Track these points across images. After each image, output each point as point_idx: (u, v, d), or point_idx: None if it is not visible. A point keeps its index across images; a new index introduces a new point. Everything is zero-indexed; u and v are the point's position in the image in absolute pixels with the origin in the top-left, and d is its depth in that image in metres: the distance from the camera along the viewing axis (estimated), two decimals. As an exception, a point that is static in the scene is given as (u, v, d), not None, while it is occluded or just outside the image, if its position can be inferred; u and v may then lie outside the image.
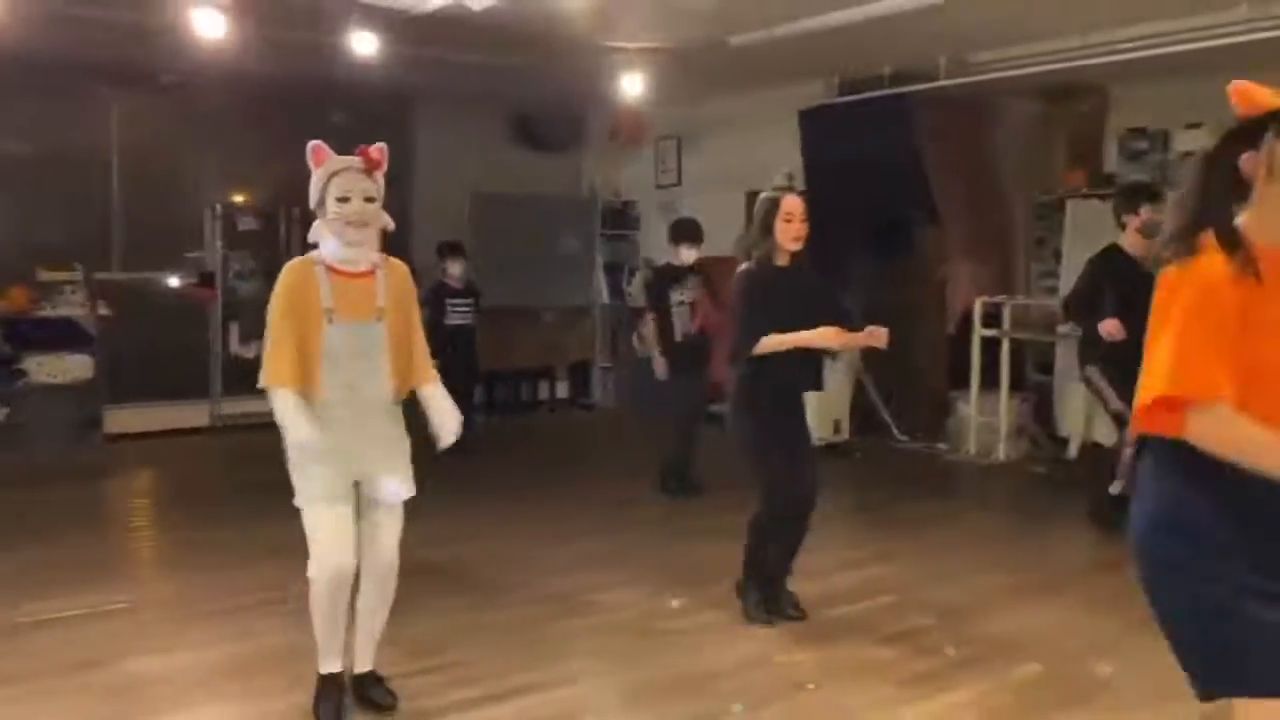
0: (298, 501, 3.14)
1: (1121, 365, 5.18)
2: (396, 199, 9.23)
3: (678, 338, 6.35)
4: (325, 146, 3.14)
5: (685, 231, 6.47)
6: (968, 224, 8.24)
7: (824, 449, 7.71)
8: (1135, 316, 4.97)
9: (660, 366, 6.33)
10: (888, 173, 7.85)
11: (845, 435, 8.06)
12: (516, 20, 6.04)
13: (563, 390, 10.21)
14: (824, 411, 7.84)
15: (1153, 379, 1.93)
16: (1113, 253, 5.30)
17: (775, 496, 4.11)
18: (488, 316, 8.19)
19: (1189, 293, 1.92)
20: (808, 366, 4.16)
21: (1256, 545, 1.95)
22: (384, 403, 3.23)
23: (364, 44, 6.08)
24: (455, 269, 7.56)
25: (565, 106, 9.52)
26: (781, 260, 4.07)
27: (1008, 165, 8.35)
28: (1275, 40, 5.64)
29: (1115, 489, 5.32)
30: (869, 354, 8.16)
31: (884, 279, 8.21)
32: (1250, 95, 1.97)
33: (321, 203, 3.13)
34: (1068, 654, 3.89)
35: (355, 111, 8.32)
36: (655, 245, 9.11)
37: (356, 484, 3.18)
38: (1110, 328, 5.04)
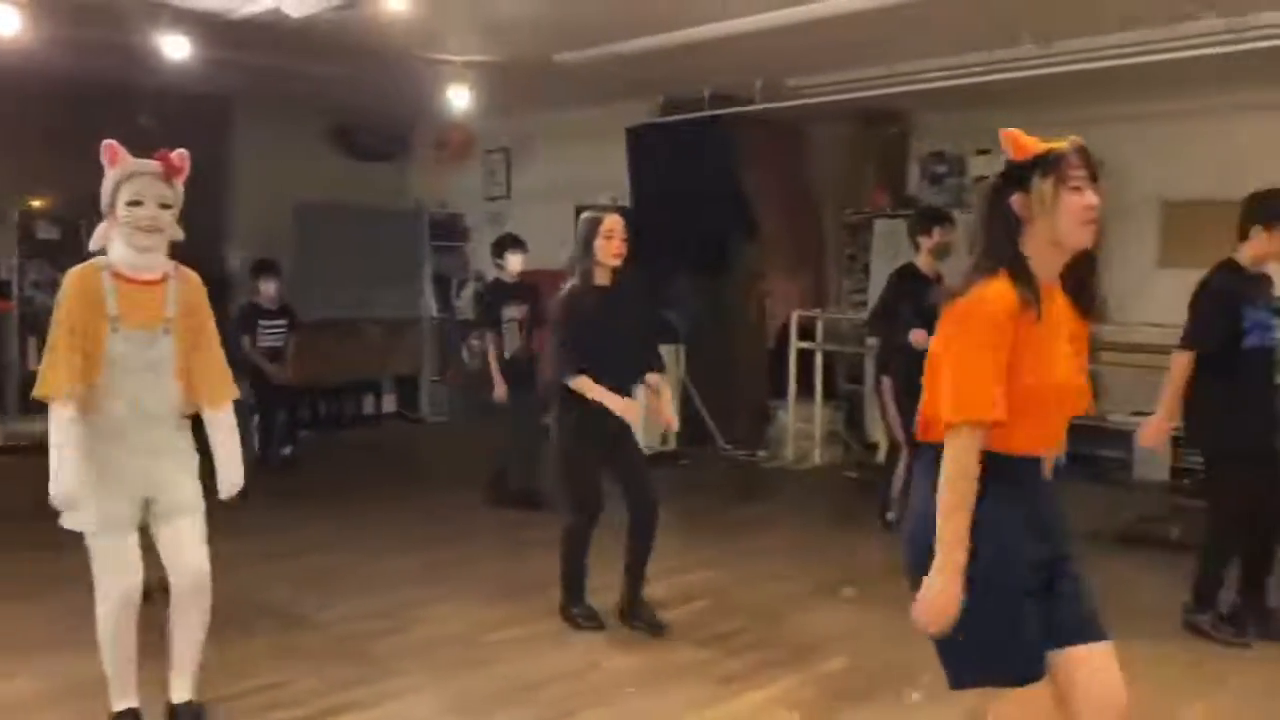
0: (73, 523, 2.99)
1: (913, 380, 5.57)
2: (213, 208, 9.06)
3: (507, 355, 6.36)
4: (120, 147, 3.03)
5: (508, 240, 6.53)
6: (785, 241, 8.62)
7: (652, 458, 7.89)
8: (926, 328, 5.21)
9: (499, 388, 6.27)
10: (710, 191, 8.11)
11: (672, 445, 8.25)
12: (337, 30, 5.95)
13: (390, 404, 10.05)
14: (652, 422, 8.01)
15: (938, 403, 2.14)
16: (908, 271, 5.62)
17: (582, 508, 4.25)
18: (311, 330, 8.04)
19: (973, 325, 2.12)
20: (627, 366, 4.29)
21: (1020, 545, 2.17)
22: (171, 416, 3.13)
23: (176, 47, 5.85)
24: (269, 288, 7.36)
25: (390, 116, 9.41)
26: (603, 278, 4.18)
27: (821, 185, 8.76)
28: (1057, 76, 6.17)
29: (892, 516, 5.69)
30: (695, 366, 8.55)
31: (708, 294, 8.50)
32: (1018, 141, 2.19)
33: (112, 206, 3.02)
34: (869, 648, 4.15)
35: (170, 116, 8.00)
36: (485, 258, 9.06)
37: (148, 501, 3.07)
38: (918, 338, 5.31)
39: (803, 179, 8.80)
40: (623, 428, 4.28)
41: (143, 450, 3.04)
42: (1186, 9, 5.36)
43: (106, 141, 3.04)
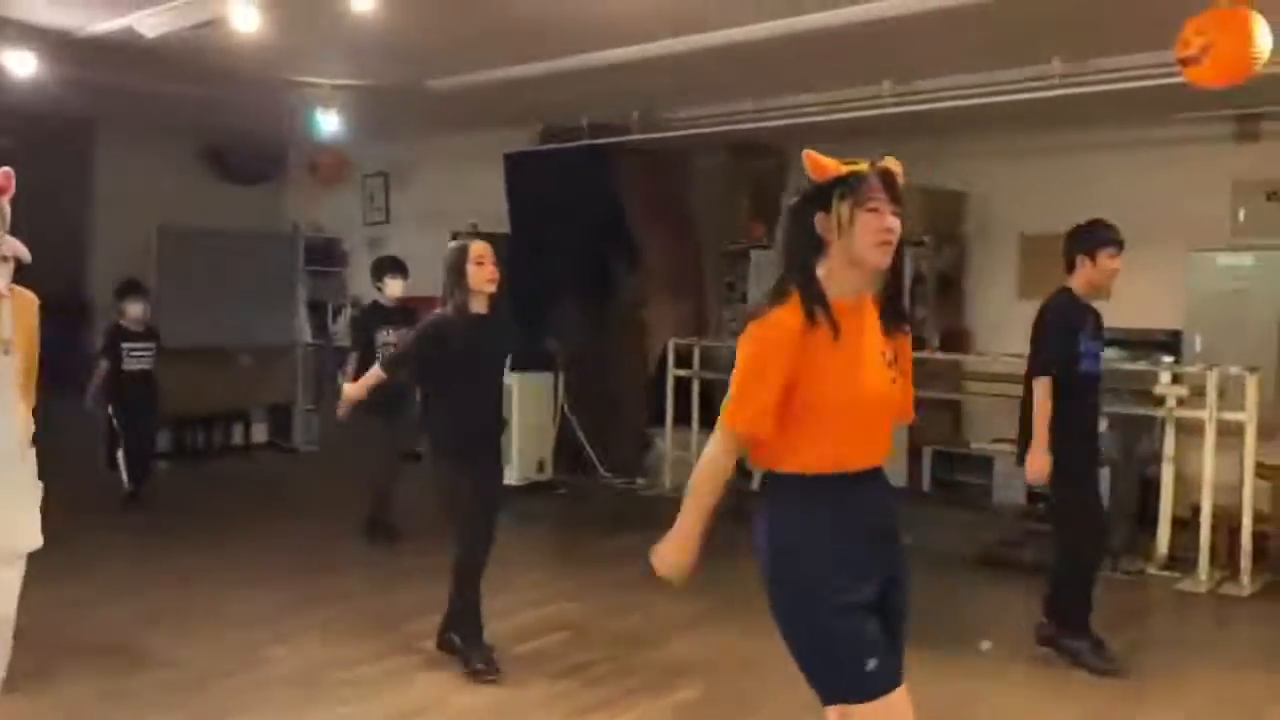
0: None
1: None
2: (75, 230, 8.70)
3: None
4: None
5: (387, 264, 6.43)
6: (665, 269, 8.67)
7: (528, 488, 7.86)
8: None
9: (342, 409, 6.17)
10: (590, 218, 8.15)
11: (549, 474, 8.20)
12: (195, 50, 5.80)
13: (261, 434, 9.76)
14: (528, 451, 7.98)
15: (724, 409, 2.22)
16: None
17: (469, 536, 4.13)
18: (177, 357, 7.73)
19: (755, 346, 2.19)
20: (494, 396, 4.28)
21: (853, 564, 2.21)
22: (11, 443, 2.98)
23: (22, 64, 5.62)
24: (134, 310, 7.08)
25: (263, 138, 9.20)
26: (478, 306, 4.12)
27: (700, 215, 8.85)
28: (912, 114, 6.38)
29: None
30: (575, 393, 8.52)
31: (588, 321, 8.48)
32: (820, 163, 2.23)
33: None
34: (725, 675, 4.16)
35: (24, 135, 7.71)
36: (364, 283, 8.90)
37: None
38: None
39: (682, 208, 8.85)
40: (492, 453, 4.25)
41: None
42: (1034, 53, 5.60)
43: None
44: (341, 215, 10.07)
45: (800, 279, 2.20)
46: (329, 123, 7.04)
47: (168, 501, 7.31)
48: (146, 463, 7.20)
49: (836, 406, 2.18)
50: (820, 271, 2.21)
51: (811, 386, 2.16)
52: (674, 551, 2.29)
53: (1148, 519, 6.05)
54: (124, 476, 7.04)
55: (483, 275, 4.08)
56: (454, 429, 4.09)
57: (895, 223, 2.20)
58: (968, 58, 5.85)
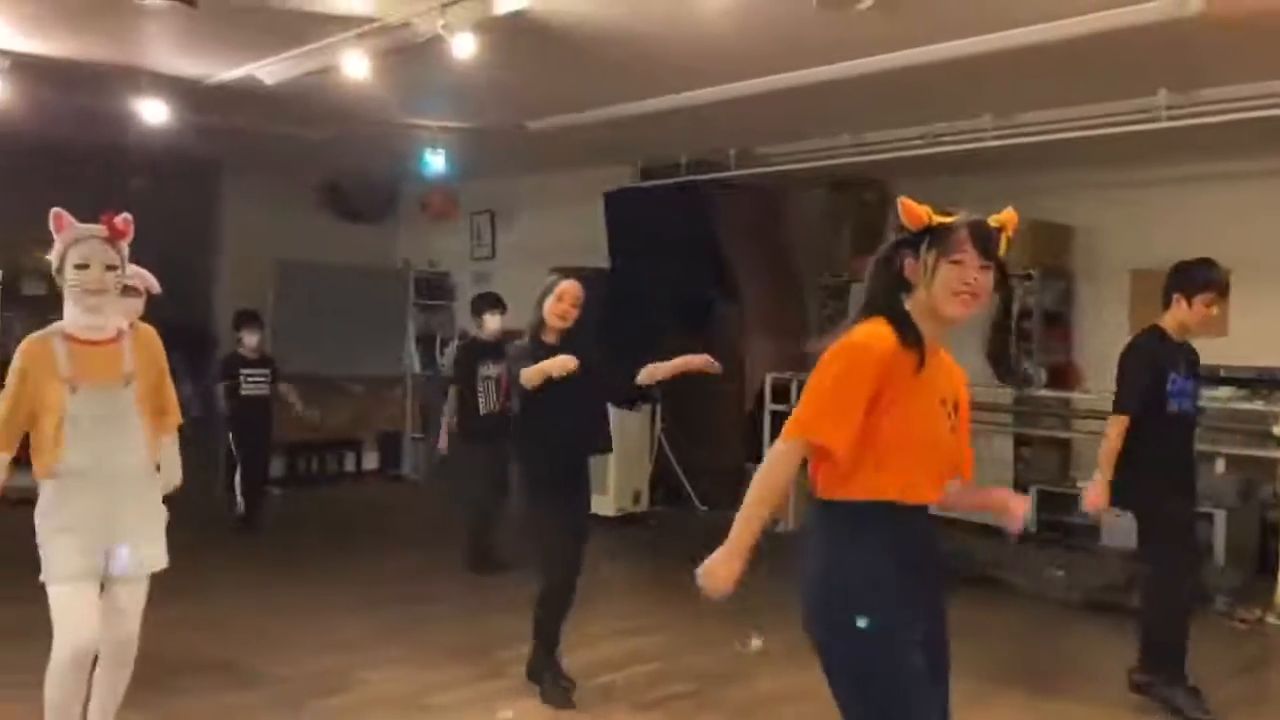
0: (44, 578, 3.09)
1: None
2: (201, 266, 9.19)
3: (482, 411, 6.40)
4: (66, 214, 3.17)
5: (485, 300, 6.63)
6: (763, 304, 8.67)
7: (622, 519, 7.94)
8: None
9: (442, 440, 6.37)
10: (688, 254, 8.21)
11: (645, 506, 8.26)
12: (315, 95, 6.11)
13: (371, 461, 10.09)
14: (624, 482, 8.06)
15: (792, 420, 2.22)
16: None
17: (551, 566, 4.21)
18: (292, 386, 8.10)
19: (842, 357, 2.21)
20: (582, 426, 4.31)
21: (907, 596, 2.21)
22: (138, 469, 3.22)
23: (155, 112, 6.02)
24: (251, 339, 7.45)
25: (375, 178, 9.59)
26: (549, 337, 4.26)
27: (798, 249, 8.83)
28: (1019, 146, 6.28)
29: None
30: (671, 426, 8.57)
31: (686, 353, 8.49)
32: (913, 211, 2.28)
33: (60, 269, 3.14)
34: (816, 711, 4.11)
35: (158, 177, 8.22)
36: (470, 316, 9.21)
37: (108, 554, 3.14)
38: None
39: (780, 243, 8.87)
40: (579, 484, 4.32)
41: (107, 503, 3.11)
42: (1139, 85, 5.48)
43: (54, 210, 3.18)
44: (449, 251, 10.38)
45: (890, 309, 2.25)
46: (436, 162, 7.31)
47: (279, 526, 7.58)
48: (260, 488, 7.53)
49: (908, 436, 2.20)
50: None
51: (889, 411, 2.18)
52: (722, 564, 2.22)
53: (1268, 565, 5.77)
54: (238, 500, 7.37)
55: (556, 310, 4.21)
56: (531, 457, 4.20)
57: (981, 277, 2.22)
58: (1071, 90, 5.75)
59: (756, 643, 4.82)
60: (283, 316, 8.91)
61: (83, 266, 3.10)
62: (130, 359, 3.20)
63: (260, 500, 7.50)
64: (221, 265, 9.24)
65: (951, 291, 2.21)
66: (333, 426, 9.45)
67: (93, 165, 7.87)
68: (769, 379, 8.16)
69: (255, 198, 9.30)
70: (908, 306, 2.25)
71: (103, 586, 3.17)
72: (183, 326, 8.41)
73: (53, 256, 3.17)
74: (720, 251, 8.35)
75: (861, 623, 2.19)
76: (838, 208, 8.53)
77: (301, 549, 7.07)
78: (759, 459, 7.72)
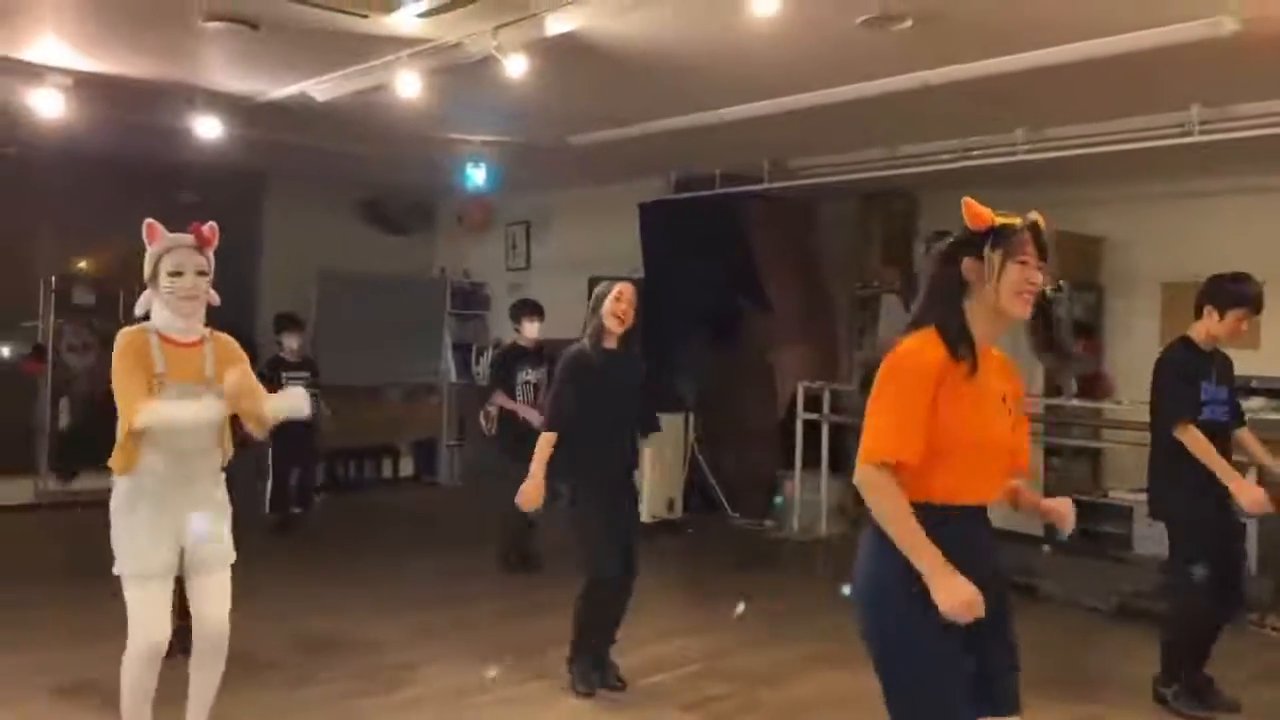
0: (118, 569, 3.22)
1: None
2: (244, 275, 9.39)
3: (520, 416, 6.52)
4: (158, 224, 3.32)
5: (525, 307, 6.74)
6: (794, 314, 8.75)
7: (658, 525, 8.02)
8: None
9: (531, 415, 6.29)
10: (721, 264, 8.32)
11: (679, 512, 8.37)
12: (361, 112, 6.27)
13: (408, 467, 10.26)
14: (659, 489, 8.17)
15: (864, 448, 2.28)
16: None
17: (599, 565, 4.34)
18: (331, 393, 8.21)
19: (897, 374, 2.29)
20: (620, 443, 4.45)
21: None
22: (210, 468, 3.38)
23: (209, 128, 6.21)
24: (292, 342, 7.62)
25: (414, 190, 9.77)
26: (609, 342, 4.38)
27: (829, 260, 8.92)
28: (1046, 161, 6.37)
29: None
30: (704, 434, 8.69)
31: (718, 363, 8.64)
32: (977, 212, 2.35)
33: (154, 276, 3.29)
34: (857, 716, 4.22)
35: (206, 190, 8.38)
36: (506, 326, 9.29)
37: (184, 551, 3.28)
38: None
39: (811, 253, 8.97)
40: (622, 492, 4.44)
41: (183, 502, 3.26)
42: (1172, 99, 5.56)
43: (147, 220, 3.33)
44: (486, 262, 10.55)
45: (945, 315, 2.31)
46: (478, 176, 7.47)
47: (322, 530, 7.77)
48: (308, 492, 7.69)
49: (966, 440, 2.27)
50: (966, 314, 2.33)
51: (946, 418, 2.25)
52: (947, 583, 2.17)
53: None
54: (267, 505, 7.52)
55: (614, 309, 4.30)
56: (586, 462, 4.31)
57: (1039, 277, 2.31)
58: (1104, 105, 5.83)
59: (740, 608, 5.22)
60: (323, 325, 9.11)
61: (177, 274, 3.24)
62: (210, 363, 3.33)
63: (308, 505, 7.67)
64: (264, 275, 9.41)
65: (1016, 291, 2.29)
66: (367, 432, 9.58)
67: (141, 180, 8.10)
68: (801, 388, 8.25)
69: (297, 209, 9.48)
70: (966, 306, 2.32)
71: (181, 583, 3.31)
72: (227, 334, 8.60)
73: (146, 264, 3.31)
74: (752, 261, 8.47)
75: (900, 620, 2.27)
76: (868, 218, 8.62)
77: (343, 553, 7.22)
78: (790, 466, 7.77)
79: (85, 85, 5.80)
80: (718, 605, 5.98)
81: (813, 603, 6.24)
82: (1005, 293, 2.29)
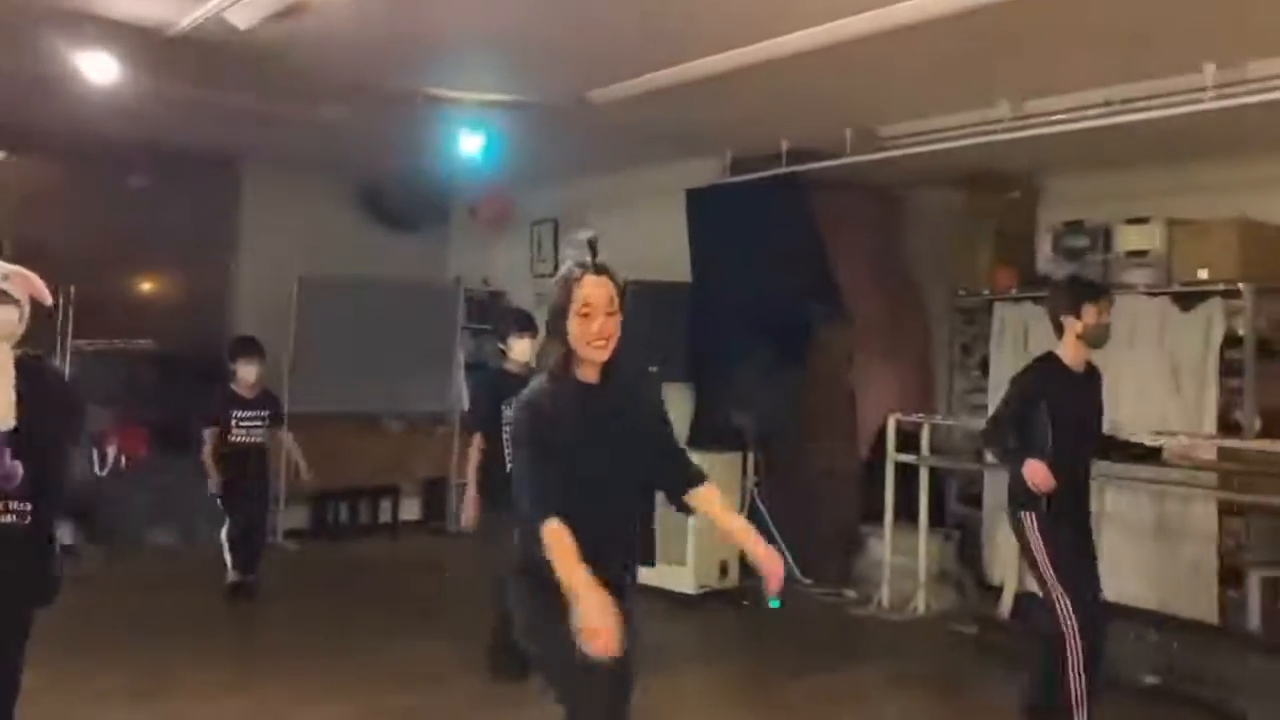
0: None
1: (1060, 514, 4.05)
2: (213, 281, 8.07)
3: (507, 468, 4.83)
4: None
5: (512, 320, 5.18)
6: (880, 328, 7.24)
7: (708, 595, 6.48)
8: (1071, 445, 4.21)
9: (466, 510, 4.97)
10: (787, 261, 6.92)
11: (734, 579, 6.70)
12: (304, 51, 4.82)
13: (412, 510, 8.77)
14: (707, 551, 6.54)
15: None
16: (1048, 364, 4.32)
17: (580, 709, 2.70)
18: (318, 426, 7.03)
19: None
20: (618, 526, 2.77)
21: None
22: None
23: (101, 69, 4.73)
24: (249, 374, 6.12)
25: (422, 177, 8.27)
26: (587, 374, 2.72)
27: (925, 261, 7.41)
28: (1242, 110, 4.61)
29: None
30: (767, 479, 7.08)
31: (784, 389, 7.06)
32: None
33: None
34: None
35: (166, 177, 7.22)
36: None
37: None
38: (1037, 475, 3.98)
39: (901, 253, 7.50)
40: (622, 593, 2.74)
41: None
42: None
43: None
44: (507, 266, 9.17)
45: None
46: (472, 145, 5.96)
47: (286, 591, 6.43)
48: (256, 550, 6.20)
49: None
50: None
51: None
52: None
53: None
54: (227, 563, 6.08)
55: (587, 333, 2.61)
56: (540, 560, 2.61)
57: None
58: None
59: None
60: (304, 342, 7.67)
61: None
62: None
63: (255, 564, 6.18)
64: (239, 281, 8.07)
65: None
66: (363, 470, 8.21)
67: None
68: (892, 421, 6.58)
69: (276, 200, 8.13)
70: None
71: None
72: (195, 356, 7.28)
73: None
74: (826, 262, 7.04)
75: None
76: (975, 210, 7.04)
77: (309, 618, 5.94)
78: (877, 520, 6.66)
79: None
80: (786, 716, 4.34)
81: (912, 714, 4.77)
82: None
